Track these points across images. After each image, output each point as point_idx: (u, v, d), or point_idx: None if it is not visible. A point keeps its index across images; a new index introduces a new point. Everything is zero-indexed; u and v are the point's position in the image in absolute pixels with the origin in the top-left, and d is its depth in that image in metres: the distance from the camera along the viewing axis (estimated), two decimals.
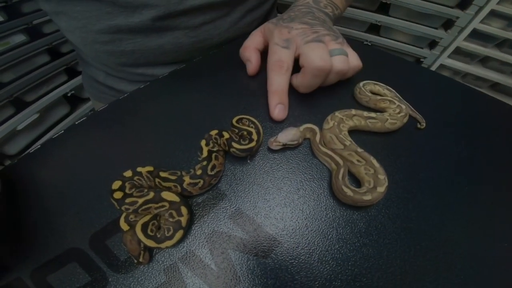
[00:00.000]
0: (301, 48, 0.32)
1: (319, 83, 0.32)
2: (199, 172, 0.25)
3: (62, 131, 0.31)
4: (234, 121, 0.30)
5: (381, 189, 0.25)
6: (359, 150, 0.27)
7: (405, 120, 0.31)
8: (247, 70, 0.37)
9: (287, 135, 0.28)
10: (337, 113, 0.30)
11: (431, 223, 0.25)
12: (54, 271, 0.23)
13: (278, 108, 0.31)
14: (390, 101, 0.33)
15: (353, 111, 0.31)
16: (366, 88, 0.35)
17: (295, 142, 0.28)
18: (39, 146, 0.30)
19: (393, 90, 0.35)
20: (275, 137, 0.28)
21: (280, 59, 0.32)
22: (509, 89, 1.27)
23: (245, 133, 0.28)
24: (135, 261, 0.22)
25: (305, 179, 0.27)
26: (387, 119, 0.30)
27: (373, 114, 0.31)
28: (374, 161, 0.26)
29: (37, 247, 0.24)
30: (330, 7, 0.43)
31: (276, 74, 0.32)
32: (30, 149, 0.30)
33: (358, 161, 0.27)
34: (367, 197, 0.24)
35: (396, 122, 0.30)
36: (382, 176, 0.25)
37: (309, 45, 0.31)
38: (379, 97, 0.33)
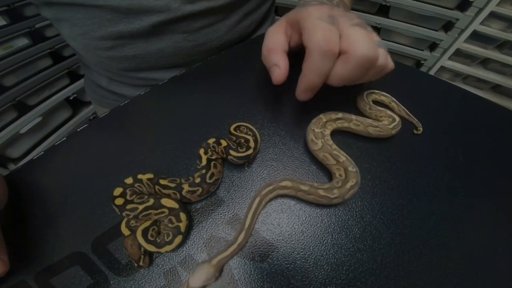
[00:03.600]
0: (346, 30, 0.25)
1: (358, 76, 0.27)
2: (198, 180, 0.25)
3: (64, 138, 0.32)
4: (232, 128, 0.30)
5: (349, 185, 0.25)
6: (350, 169, 0.27)
7: (380, 131, 0.30)
8: (274, 77, 0.29)
9: (200, 277, 0.22)
10: (316, 130, 0.30)
11: (426, 229, 0.25)
12: (57, 274, 0.23)
13: (307, 94, 0.28)
14: (393, 118, 0.32)
15: (340, 115, 0.31)
16: (370, 99, 0.35)
17: (213, 280, 0.22)
18: (42, 153, 0.31)
19: (389, 95, 0.36)
20: (186, 283, 0.22)
21: (330, 39, 0.24)
22: (511, 91, 1.27)
23: (242, 140, 0.29)
24: (136, 265, 0.23)
25: None
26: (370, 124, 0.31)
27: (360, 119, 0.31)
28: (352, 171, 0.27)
29: (41, 250, 0.25)
30: (342, 5, 0.41)
31: (323, 57, 0.25)
32: (33, 156, 0.30)
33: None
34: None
35: (378, 129, 0.31)
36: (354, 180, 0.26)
37: (356, 29, 0.26)
38: (389, 112, 0.33)
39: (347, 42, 0.25)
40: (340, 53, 0.26)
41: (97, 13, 0.38)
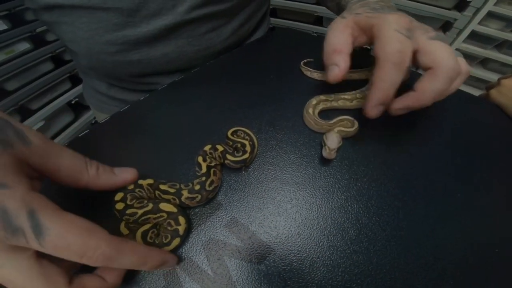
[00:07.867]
0: (425, 44, 0.26)
1: (447, 89, 0.27)
2: (197, 187, 0.25)
3: (66, 144, 0.33)
4: (229, 133, 0.31)
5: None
6: None
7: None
8: (330, 75, 0.31)
9: (334, 141, 0.29)
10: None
11: (422, 231, 0.25)
12: None
13: (378, 109, 0.28)
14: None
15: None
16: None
17: (341, 144, 0.29)
18: None
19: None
20: (326, 147, 0.28)
21: (404, 50, 0.25)
22: None
23: (239, 145, 0.29)
24: None
25: (298, 189, 0.28)
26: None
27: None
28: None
29: None
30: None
31: (395, 69, 0.26)
32: None
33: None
34: None
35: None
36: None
37: (436, 43, 0.26)
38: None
39: (431, 58, 0.26)
40: (424, 69, 0.27)
41: (104, 16, 0.38)
